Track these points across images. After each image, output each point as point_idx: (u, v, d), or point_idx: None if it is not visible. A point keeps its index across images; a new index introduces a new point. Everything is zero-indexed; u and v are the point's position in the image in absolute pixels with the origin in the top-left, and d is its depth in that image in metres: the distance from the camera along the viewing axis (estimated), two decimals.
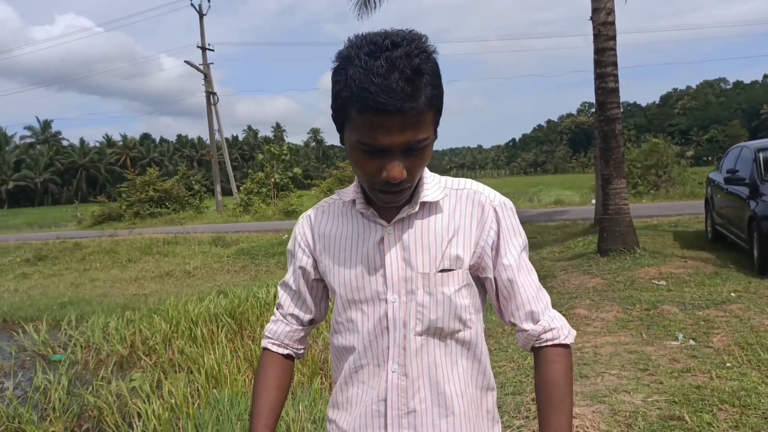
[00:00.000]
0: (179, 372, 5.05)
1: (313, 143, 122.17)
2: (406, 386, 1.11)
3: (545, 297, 1.18)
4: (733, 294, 5.52)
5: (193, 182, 30.80)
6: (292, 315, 1.27)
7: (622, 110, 8.35)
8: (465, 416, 1.13)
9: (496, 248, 1.15)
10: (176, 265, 12.06)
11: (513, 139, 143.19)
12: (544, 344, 1.16)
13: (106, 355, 6.14)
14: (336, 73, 1.03)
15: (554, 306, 1.21)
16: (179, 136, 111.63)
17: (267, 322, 5.58)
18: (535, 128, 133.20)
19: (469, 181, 1.20)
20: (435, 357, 1.12)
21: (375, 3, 10.35)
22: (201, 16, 28.16)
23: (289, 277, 1.28)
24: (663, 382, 3.63)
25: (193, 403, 4.03)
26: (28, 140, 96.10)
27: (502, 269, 1.15)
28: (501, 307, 1.19)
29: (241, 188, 27.12)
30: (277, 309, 1.30)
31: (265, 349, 1.28)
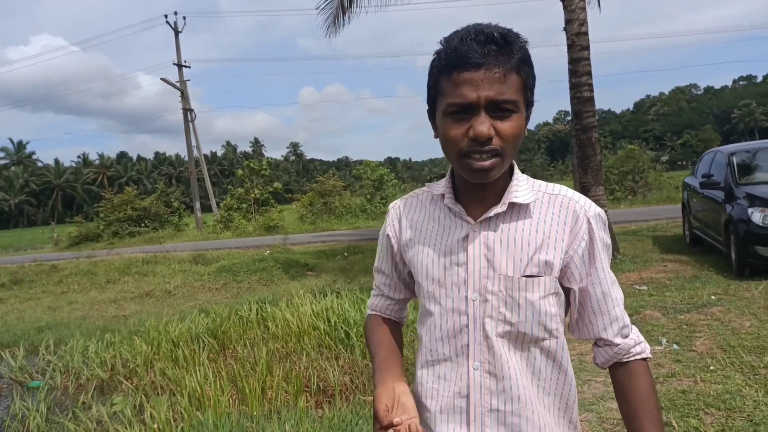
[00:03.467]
0: (162, 394, 4.95)
1: (293, 157, 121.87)
2: (489, 384, 1.11)
3: (625, 312, 1.19)
4: (713, 297, 5.59)
5: (172, 199, 30.48)
6: (385, 296, 1.34)
7: (597, 118, 8.46)
8: (546, 426, 1.12)
9: (588, 260, 1.13)
10: (156, 285, 11.87)
11: None
12: (633, 358, 1.15)
13: (86, 379, 5.99)
14: (431, 63, 1.11)
15: None
16: (157, 153, 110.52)
17: (249, 340, 5.45)
18: None
19: (563, 187, 1.18)
20: (515, 361, 1.11)
21: (343, 22, 10.40)
22: (176, 33, 28.04)
23: (381, 263, 1.34)
24: None
25: (177, 427, 3.95)
26: (2, 162, 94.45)
27: (596, 282, 1.13)
28: (586, 321, 1.17)
29: (221, 204, 26.90)
30: (376, 287, 1.37)
31: (369, 315, 1.37)
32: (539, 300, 1.10)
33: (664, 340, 4.50)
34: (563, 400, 1.15)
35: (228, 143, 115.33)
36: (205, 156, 32.13)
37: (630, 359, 1.15)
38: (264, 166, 26.59)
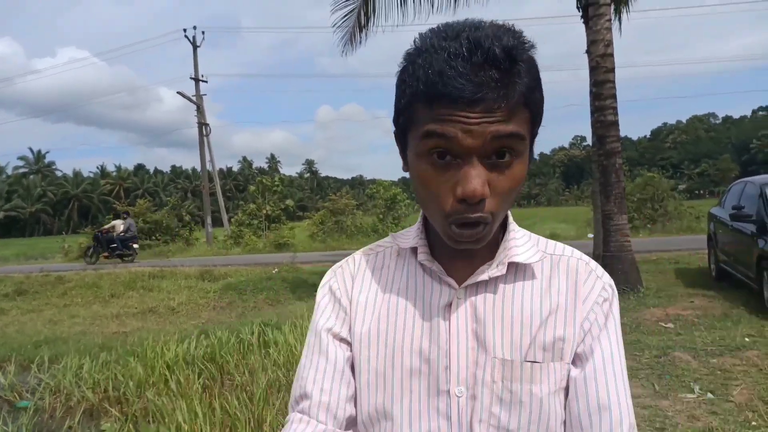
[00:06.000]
0: (152, 422, 4.64)
1: (308, 174, 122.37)
2: None
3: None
4: (747, 339, 5.19)
5: (184, 213, 30.41)
6: (326, 408, 0.81)
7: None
8: None
9: (597, 344, 0.80)
10: (160, 301, 11.62)
11: None
12: None
13: (77, 401, 5.69)
14: (401, 72, 0.77)
15: None
16: (173, 167, 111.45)
17: (249, 366, 5.12)
18: None
19: (567, 246, 0.88)
20: None
21: (360, 39, 10.30)
22: (195, 47, 28.19)
23: (323, 346, 0.84)
24: None
25: None
26: (21, 170, 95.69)
27: (599, 378, 0.78)
28: (575, 420, 0.79)
29: (232, 220, 26.75)
30: (297, 404, 0.83)
31: None
32: (548, 396, 0.77)
33: (697, 387, 4.11)
34: None
35: (244, 158, 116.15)
36: (221, 171, 32.18)
37: None
38: (276, 183, 26.46)
